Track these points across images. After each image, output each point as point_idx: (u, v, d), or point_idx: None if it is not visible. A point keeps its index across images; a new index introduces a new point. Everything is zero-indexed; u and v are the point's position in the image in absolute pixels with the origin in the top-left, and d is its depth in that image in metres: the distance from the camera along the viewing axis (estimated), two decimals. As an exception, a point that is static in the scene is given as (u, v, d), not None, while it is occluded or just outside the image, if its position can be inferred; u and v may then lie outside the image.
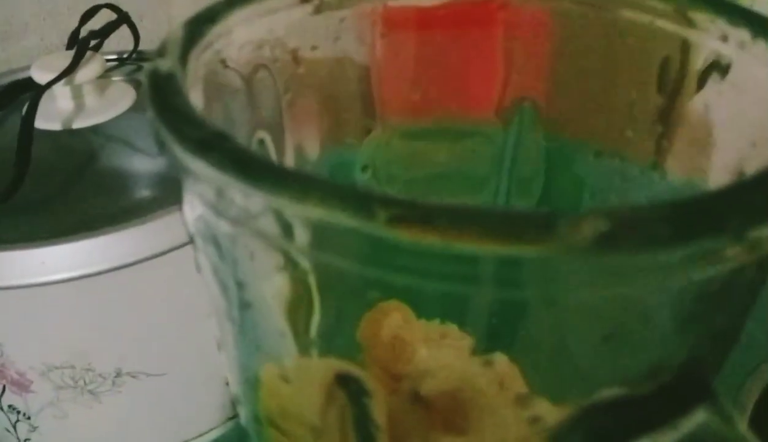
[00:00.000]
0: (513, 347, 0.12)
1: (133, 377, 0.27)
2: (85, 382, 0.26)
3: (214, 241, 0.12)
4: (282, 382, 0.11)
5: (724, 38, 0.14)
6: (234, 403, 0.13)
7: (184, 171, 0.11)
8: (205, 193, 0.11)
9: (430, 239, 0.09)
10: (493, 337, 0.12)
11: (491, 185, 0.19)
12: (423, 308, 0.15)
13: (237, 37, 0.14)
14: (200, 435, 0.30)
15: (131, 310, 0.26)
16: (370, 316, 0.15)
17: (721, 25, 0.14)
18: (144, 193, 0.29)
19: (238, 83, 0.14)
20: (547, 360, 0.12)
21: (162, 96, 0.10)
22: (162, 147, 0.11)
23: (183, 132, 0.09)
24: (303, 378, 0.11)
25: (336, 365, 0.11)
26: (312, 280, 0.11)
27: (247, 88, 0.15)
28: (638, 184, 0.16)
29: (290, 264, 0.11)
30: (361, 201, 0.09)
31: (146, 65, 0.11)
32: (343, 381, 0.11)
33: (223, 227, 0.11)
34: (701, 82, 0.15)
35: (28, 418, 0.27)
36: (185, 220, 0.12)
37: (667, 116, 0.16)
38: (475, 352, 0.13)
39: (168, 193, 0.28)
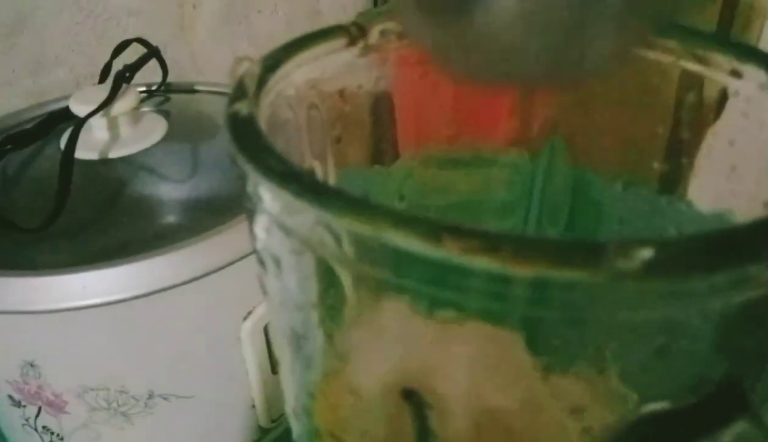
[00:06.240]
0: (563, 363, 0.13)
1: (164, 399, 0.28)
2: (118, 404, 0.27)
3: (282, 262, 0.13)
4: (348, 394, 0.12)
5: (736, 73, 0.16)
6: (290, 417, 0.14)
7: (260, 199, 0.12)
8: (281, 219, 0.12)
9: (495, 264, 0.10)
10: (541, 354, 0.13)
11: (521, 211, 0.20)
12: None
13: (294, 79, 0.15)
14: (227, 456, 0.30)
15: (165, 334, 0.27)
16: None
17: (729, 60, 0.16)
18: (176, 220, 0.30)
19: (294, 119, 0.16)
20: (596, 377, 0.12)
21: (245, 135, 0.11)
22: (241, 179, 0.12)
23: (268, 166, 0.11)
24: (370, 391, 0.12)
25: (401, 379, 0.12)
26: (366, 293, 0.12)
27: (301, 124, 0.16)
28: (666, 214, 0.17)
29: (356, 281, 0.12)
30: (433, 230, 0.10)
31: (227, 109, 0.12)
32: (408, 395, 0.11)
33: (293, 248, 0.12)
34: (717, 114, 0.16)
35: (62, 439, 0.28)
36: (255, 245, 0.13)
37: (691, 150, 0.17)
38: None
39: (198, 220, 0.29)
